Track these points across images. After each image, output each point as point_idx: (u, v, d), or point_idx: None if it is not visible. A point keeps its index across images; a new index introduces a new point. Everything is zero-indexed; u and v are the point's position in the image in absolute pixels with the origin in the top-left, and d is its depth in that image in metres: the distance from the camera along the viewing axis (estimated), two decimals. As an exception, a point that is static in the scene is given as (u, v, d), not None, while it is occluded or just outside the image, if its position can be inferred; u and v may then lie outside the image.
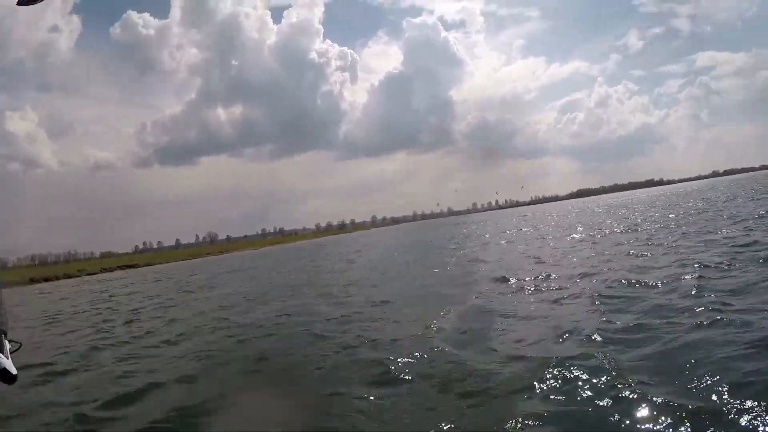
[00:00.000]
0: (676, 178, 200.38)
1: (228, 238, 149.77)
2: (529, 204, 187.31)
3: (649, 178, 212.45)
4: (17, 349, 1.38)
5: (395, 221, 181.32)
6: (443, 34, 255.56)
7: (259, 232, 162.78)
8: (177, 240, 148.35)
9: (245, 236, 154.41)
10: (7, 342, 1.34)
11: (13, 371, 1.40)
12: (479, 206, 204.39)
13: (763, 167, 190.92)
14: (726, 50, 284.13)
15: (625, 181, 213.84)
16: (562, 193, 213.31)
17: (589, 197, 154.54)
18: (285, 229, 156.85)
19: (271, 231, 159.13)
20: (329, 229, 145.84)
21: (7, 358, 1.39)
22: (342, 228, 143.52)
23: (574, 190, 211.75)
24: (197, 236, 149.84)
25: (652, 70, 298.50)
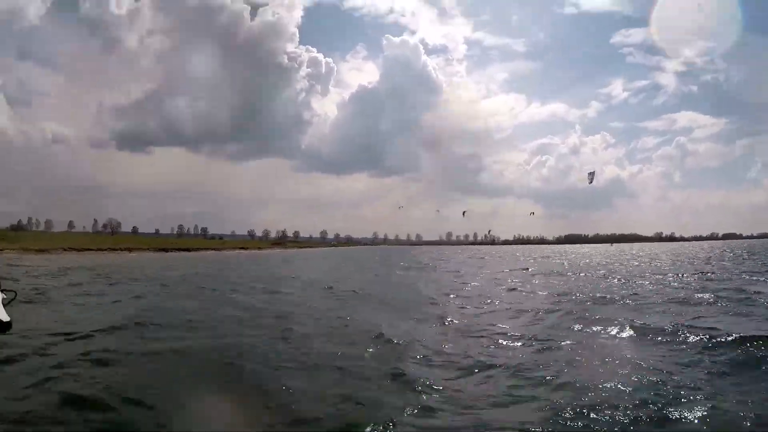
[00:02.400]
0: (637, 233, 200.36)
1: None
2: (512, 243, 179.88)
3: (612, 232, 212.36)
4: (12, 299, 1.45)
5: (352, 241, 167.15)
6: (423, 57, 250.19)
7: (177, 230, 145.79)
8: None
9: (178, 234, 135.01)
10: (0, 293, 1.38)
11: (6, 318, 1.49)
12: (454, 238, 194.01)
13: (713, 236, 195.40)
14: (708, 113, 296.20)
15: (591, 233, 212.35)
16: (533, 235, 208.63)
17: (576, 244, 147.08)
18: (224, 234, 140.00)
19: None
20: (276, 240, 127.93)
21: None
22: (285, 240, 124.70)
23: (563, 235, 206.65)
24: (95, 221, 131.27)
25: (631, 123, 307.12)
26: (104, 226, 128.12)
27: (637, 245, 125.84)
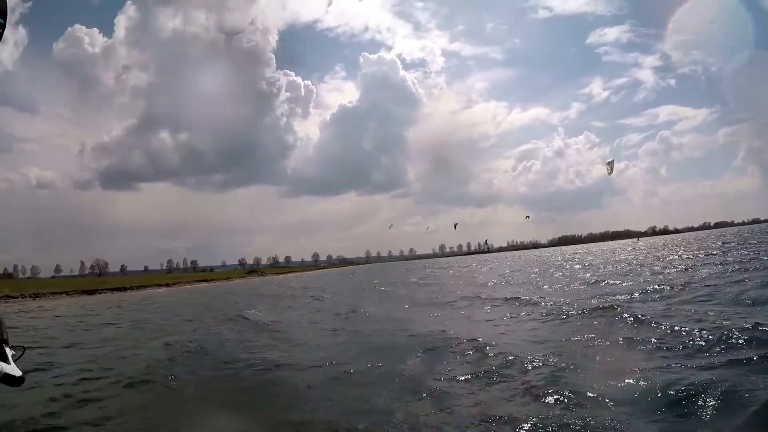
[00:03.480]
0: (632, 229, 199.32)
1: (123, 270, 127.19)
2: (507, 250, 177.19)
3: (605, 230, 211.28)
4: (22, 354, 1.53)
5: (346, 262, 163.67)
6: (401, 72, 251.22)
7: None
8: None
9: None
10: (8, 349, 1.40)
11: (17, 373, 1.55)
12: (447, 249, 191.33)
13: (705, 226, 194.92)
14: (689, 105, 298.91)
15: (583, 233, 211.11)
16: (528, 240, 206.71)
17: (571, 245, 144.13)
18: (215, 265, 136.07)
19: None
20: (266, 267, 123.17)
21: (9, 364, 1.50)
22: (260, 268, 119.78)
23: (555, 237, 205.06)
24: (82, 263, 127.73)
25: (613, 121, 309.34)
26: (91, 267, 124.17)
27: (647, 240, 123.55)
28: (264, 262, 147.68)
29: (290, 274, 78.26)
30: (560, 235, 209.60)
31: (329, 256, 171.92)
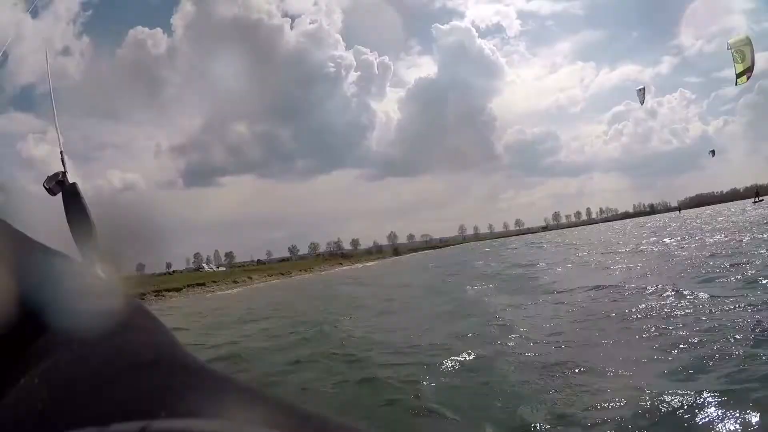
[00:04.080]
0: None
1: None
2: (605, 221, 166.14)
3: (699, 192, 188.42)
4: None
5: (445, 243, 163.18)
6: (478, 41, 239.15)
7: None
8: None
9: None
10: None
11: None
12: (564, 220, 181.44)
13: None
14: None
15: (683, 197, 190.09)
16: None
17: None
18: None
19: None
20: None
21: None
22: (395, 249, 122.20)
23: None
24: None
25: (709, 75, 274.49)
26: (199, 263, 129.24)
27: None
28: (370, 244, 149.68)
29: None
30: (659, 201, 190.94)
31: (429, 236, 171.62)
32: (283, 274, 44.46)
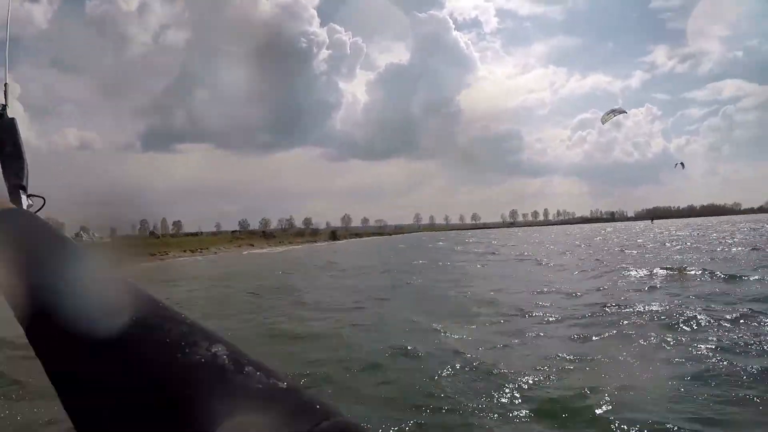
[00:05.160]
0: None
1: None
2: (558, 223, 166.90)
3: (666, 205, 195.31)
4: (42, 206, 1.05)
5: (399, 230, 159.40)
6: (454, 33, 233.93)
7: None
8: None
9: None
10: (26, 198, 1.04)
11: None
12: (516, 219, 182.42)
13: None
14: (755, 81, 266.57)
15: (640, 209, 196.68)
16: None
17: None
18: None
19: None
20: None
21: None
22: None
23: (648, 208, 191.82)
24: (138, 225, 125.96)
25: (677, 95, 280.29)
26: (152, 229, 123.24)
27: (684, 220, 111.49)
28: (323, 226, 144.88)
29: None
30: (615, 210, 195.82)
31: (383, 222, 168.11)
32: (159, 255, 38.15)
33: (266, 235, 74.10)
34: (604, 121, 36.47)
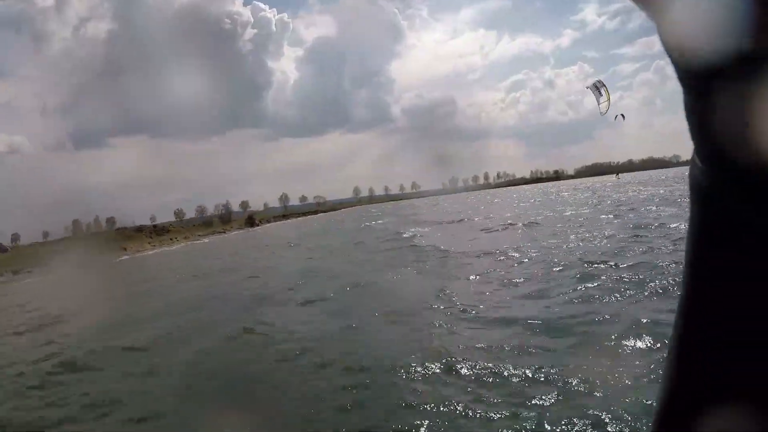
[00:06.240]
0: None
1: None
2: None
3: (595, 162, 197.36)
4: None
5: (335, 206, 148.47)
6: (380, 1, 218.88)
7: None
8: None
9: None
10: None
11: None
12: (461, 184, 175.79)
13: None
14: None
15: (579, 166, 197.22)
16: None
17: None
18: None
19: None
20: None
21: None
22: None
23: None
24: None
25: (608, 52, 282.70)
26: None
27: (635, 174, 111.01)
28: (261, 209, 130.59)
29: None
30: (555, 169, 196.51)
31: (322, 198, 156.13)
32: None
33: (157, 230, 60.58)
34: (604, 111, 28.08)
